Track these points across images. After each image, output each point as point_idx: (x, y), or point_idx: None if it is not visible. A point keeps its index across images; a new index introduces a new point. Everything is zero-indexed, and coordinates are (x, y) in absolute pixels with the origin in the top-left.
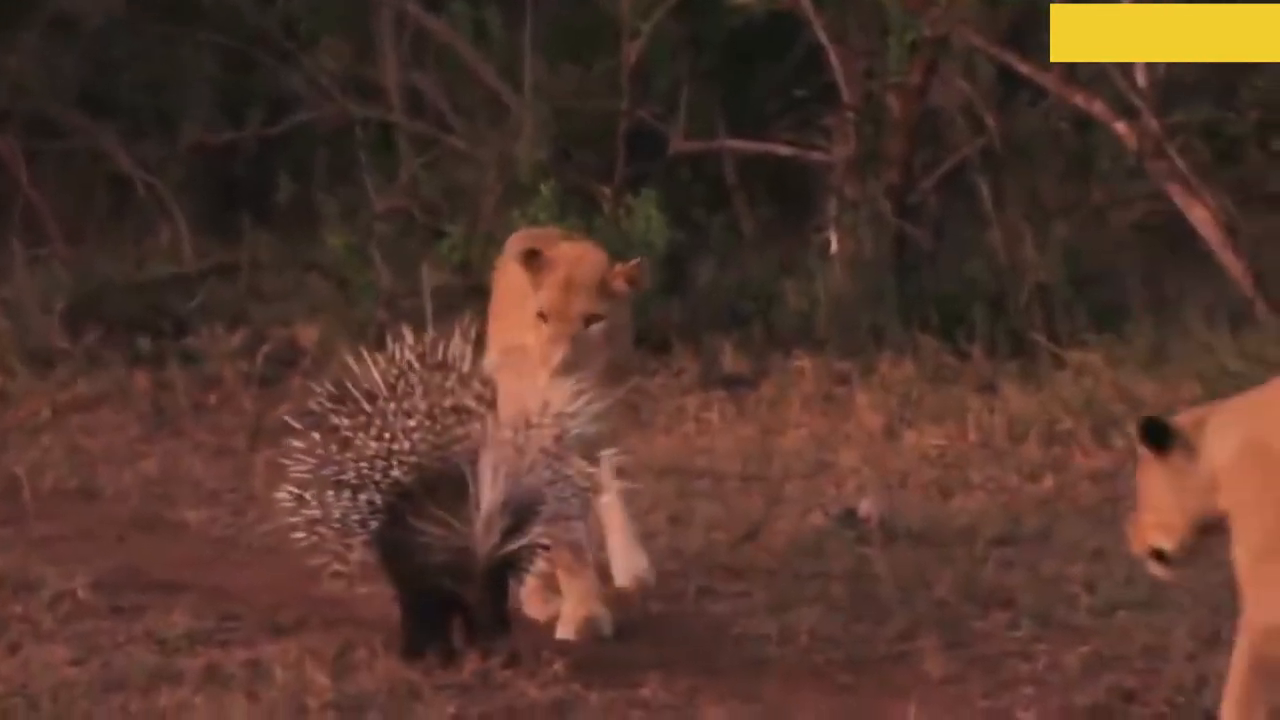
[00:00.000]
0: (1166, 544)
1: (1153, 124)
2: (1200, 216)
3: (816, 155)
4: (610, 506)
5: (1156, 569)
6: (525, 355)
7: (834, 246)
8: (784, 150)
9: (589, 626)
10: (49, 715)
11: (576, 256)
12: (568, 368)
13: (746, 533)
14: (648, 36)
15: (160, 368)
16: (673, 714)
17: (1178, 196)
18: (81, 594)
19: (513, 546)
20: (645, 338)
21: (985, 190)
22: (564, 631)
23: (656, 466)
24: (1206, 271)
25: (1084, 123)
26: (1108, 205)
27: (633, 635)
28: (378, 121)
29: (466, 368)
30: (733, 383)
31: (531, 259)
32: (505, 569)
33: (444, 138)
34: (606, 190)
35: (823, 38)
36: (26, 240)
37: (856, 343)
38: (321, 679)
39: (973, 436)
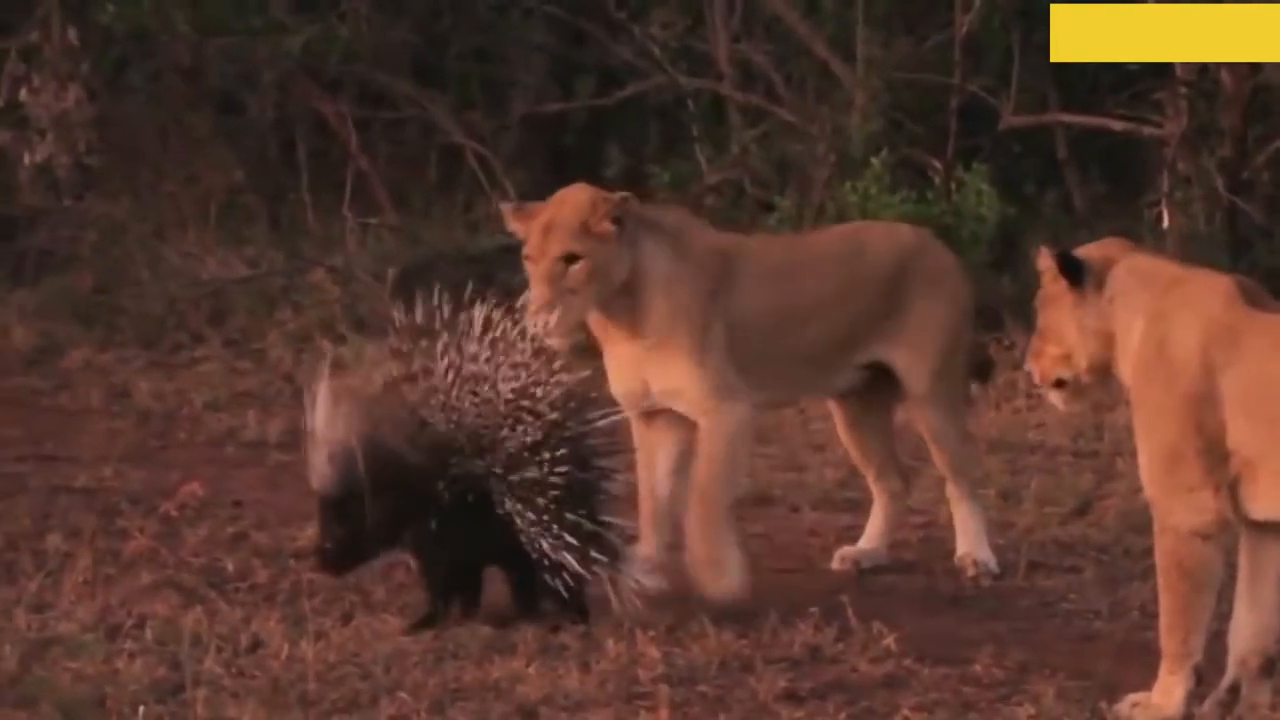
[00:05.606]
0: (1066, 374)
1: None
2: None
3: (1148, 130)
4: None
5: (1056, 399)
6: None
7: (1166, 222)
8: (1116, 125)
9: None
10: (382, 684)
11: (559, 199)
12: (548, 308)
13: (1077, 508)
14: (980, 9)
15: None
16: (1003, 689)
17: None
18: (412, 565)
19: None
20: (978, 313)
21: None
22: None
23: (988, 441)
24: None
25: None
26: None
27: (964, 610)
28: (709, 94)
29: None
30: None
31: (517, 210)
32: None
33: (775, 110)
34: (938, 164)
35: None
36: (357, 209)
37: None
38: (653, 651)
39: None
